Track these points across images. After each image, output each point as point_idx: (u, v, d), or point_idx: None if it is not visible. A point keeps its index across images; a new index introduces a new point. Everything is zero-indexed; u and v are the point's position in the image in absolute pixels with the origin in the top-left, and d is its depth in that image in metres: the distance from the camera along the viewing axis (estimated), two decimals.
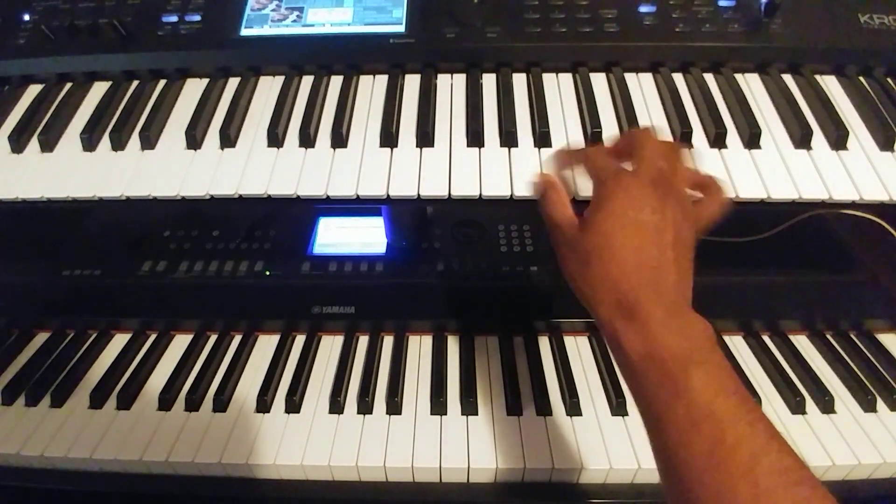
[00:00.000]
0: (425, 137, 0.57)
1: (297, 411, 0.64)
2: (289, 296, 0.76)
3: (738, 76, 0.62)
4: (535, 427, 0.62)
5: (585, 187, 0.49)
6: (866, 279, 0.79)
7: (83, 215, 0.90)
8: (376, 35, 0.62)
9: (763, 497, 0.33)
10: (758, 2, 0.60)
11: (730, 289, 0.77)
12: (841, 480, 0.60)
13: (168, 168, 0.56)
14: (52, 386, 0.66)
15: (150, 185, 0.54)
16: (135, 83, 0.64)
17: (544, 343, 0.72)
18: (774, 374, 0.67)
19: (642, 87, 0.62)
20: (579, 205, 0.47)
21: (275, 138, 0.57)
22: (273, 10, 0.64)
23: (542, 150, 0.56)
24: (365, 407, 0.64)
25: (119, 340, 0.74)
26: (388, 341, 0.72)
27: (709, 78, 0.62)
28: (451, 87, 0.63)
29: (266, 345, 0.72)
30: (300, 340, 0.72)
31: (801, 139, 0.55)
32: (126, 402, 0.65)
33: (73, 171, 0.57)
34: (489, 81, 0.63)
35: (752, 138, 0.56)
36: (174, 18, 0.64)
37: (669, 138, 0.57)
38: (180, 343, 0.73)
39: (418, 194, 0.53)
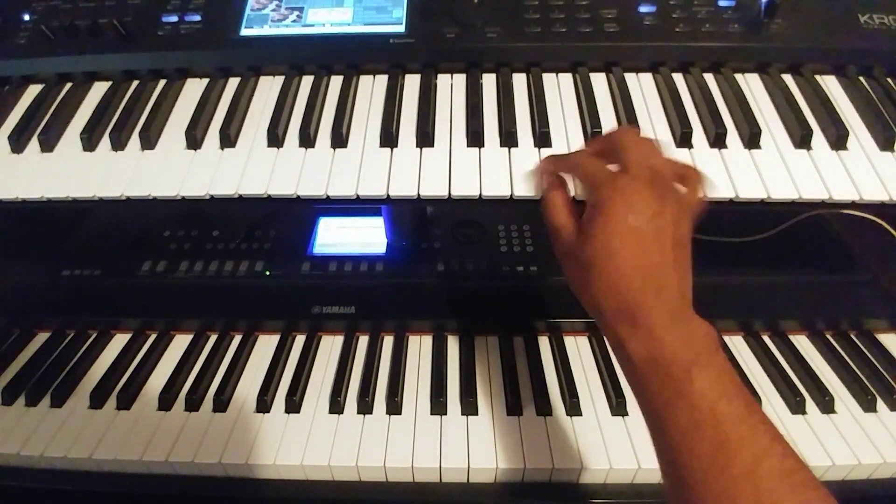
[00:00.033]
0: (425, 137, 0.57)
1: (297, 411, 0.64)
2: (289, 296, 0.76)
3: (738, 76, 0.62)
4: (535, 427, 0.62)
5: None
6: (866, 279, 0.79)
7: (83, 215, 0.90)
8: (376, 35, 0.62)
9: (765, 499, 0.33)
10: (758, 2, 0.60)
11: (730, 289, 0.77)
12: (841, 480, 0.60)
13: (168, 168, 0.56)
14: (52, 386, 0.66)
15: (150, 185, 0.54)
16: (135, 83, 0.64)
17: (544, 343, 0.72)
18: (774, 374, 0.67)
19: (642, 87, 0.62)
20: (578, 204, 0.48)
21: (275, 138, 0.57)
22: (273, 10, 0.64)
23: (542, 150, 0.56)
24: (365, 407, 0.64)
25: (119, 340, 0.74)
26: (388, 341, 0.72)
27: (709, 78, 0.62)
28: (451, 87, 0.63)
29: (266, 345, 0.72)
30: (300, 340, 0.72)
31: (801, 139, 0.55)
32: (126, 402, 0.65)
33: (73, 171, 0.56)
34: (489, 81, 0.63)
35: (752, 138, 0.56)
36: (174, 18, 0.64)
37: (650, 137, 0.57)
38: (180, 343, 0.73)
39: (418, 194, 0.53)
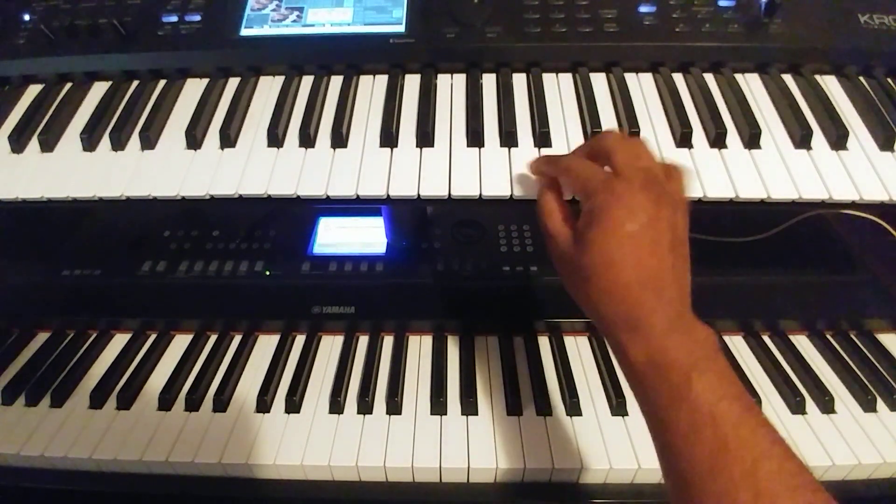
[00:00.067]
0: (425, 137, 0.57)
1: (297, 411, 0.64)
2: (289, 296, 0.76)
3: (738, 76, 0.62)
4: (535, 427, 0.62)
5: None
6: (866, 279, 0.79)
7: (83, 215, 0.90)
8: (376, 35, 0.62)
9: (765, 501, 0.33)
10: (758, 2, 0.60)
11: (730, 289, 0.77)
12: (841, 480, 0.60)
13: (168, 168, 0.56)
14: (52, 386, 0.66)
15: (150, 185, 0.54)
16: (135, 83, 0.64)
17: (544, 343, 0.72)
18: (774, 374, 0.67)
19: (642, 87, 0.62)
20: (572, 204, 0.48)
21: (275, 138, 0.57)
22: (273, 10, 0.64)
23: (542, 150, 0.56)
24: (365, 407, 0.64)
25: (119, 340, 0.74)
26: (388, 341, 0.72)
27: (709, 78, 0.62)
28: (451, 87, 0.63)
29: (266, 345, 0.72)
30: (300, 340, 0.72)
31: (801, 139, 0.55)
32: (126, 402, 0.65)
33: (73, 171, 0.56)
34: (489, 81, 0.63)
35: (752, 138, 0.56)
36: (174, 18, 0.64)
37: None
38: (180, 343, 0.73)
39: (418, 194, 0.53)
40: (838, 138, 0.55)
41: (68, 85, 0.65)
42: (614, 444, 0.60)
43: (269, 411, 0.64)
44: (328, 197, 0.53)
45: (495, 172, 0.54)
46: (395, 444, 0.60)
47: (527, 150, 0.56)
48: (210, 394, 0.66)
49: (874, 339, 0.72)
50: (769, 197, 0.52)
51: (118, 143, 0.58)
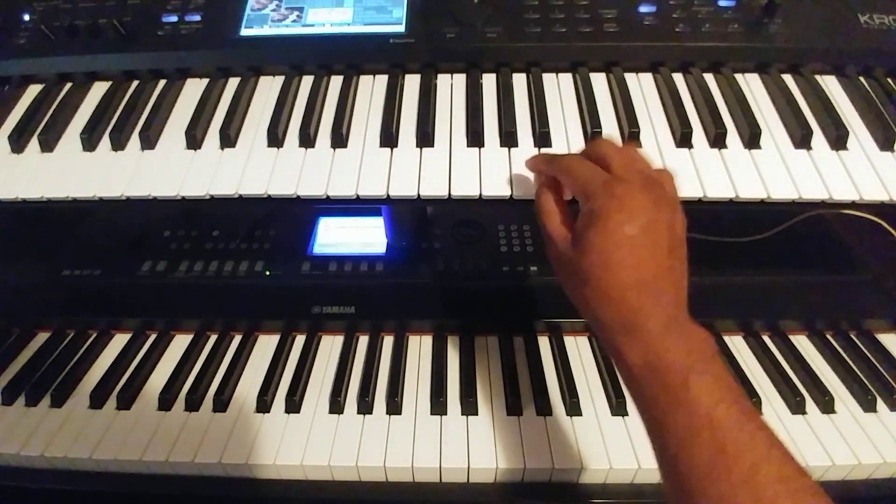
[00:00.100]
0: (425, 137, 0.57)
1: (297, 411, 0.64)
2: (289, 296, 0.76)
3: (738, 76, 0.62)
4: (535, 427, 0.62)
5: None
6: (866, 279, 0.79)
7: (83, 215, 0.90)
8: (376, 35, 0.62)
9: None
10: (758, 2, 0.60)
11: (730, 289, 0.77)
12: (841, 480, 0.59)
13: (168, 168, 0.56)
14: (52, 386, 0.66)
15: (150, 185, 0.54)
16: (135, 83, 0.64)
17: (544, 343, 0.72)
18: (774, 374, 0.67)
19: (642, 87, 0.62)
20: (571, 204, 0.47)
21: (275, 138, 0.57)
22: (273, 10, 0.64)
23: (542, 150, 0.56)
24: (365, 407, 0.64)
25: (119, 340, 0.74)
26: (388, 341, 0.72)
27: (709, 78, 0.62)
28: (451, 87, 0.63)
29: (266, 345, 0.72)
30: (300, 340, 0.72)
31: (801, 139, 0.55)
32: (126, 402, 0.65)
33: (73, 171, 0.56)
34: (489, 81, 0.63)
35: (752, 138, 0.56)
36: (174, 18, 0.64)
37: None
38: (180, 343, 0.73)
39: (418, 194, 0.53)
40: (838, 138, 0.55)
41: (68, 85, 0.65)
42: (614, 444, 0.60)
43: (269, 411, 0.64)
44: (328, 197, 0.53)
45: (495, 172, 0.54)
46: (395, 444, 0.60)
47: (527, 150, 0.56)
48: (210, 394, 0.66)
49: (874, 339, 0.72)
50: (769, 197, 0.52)
51: (118, 143, 0.58)
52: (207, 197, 0.54)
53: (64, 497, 0.61)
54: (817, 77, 0.61)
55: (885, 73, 0.62)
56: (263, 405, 0.64)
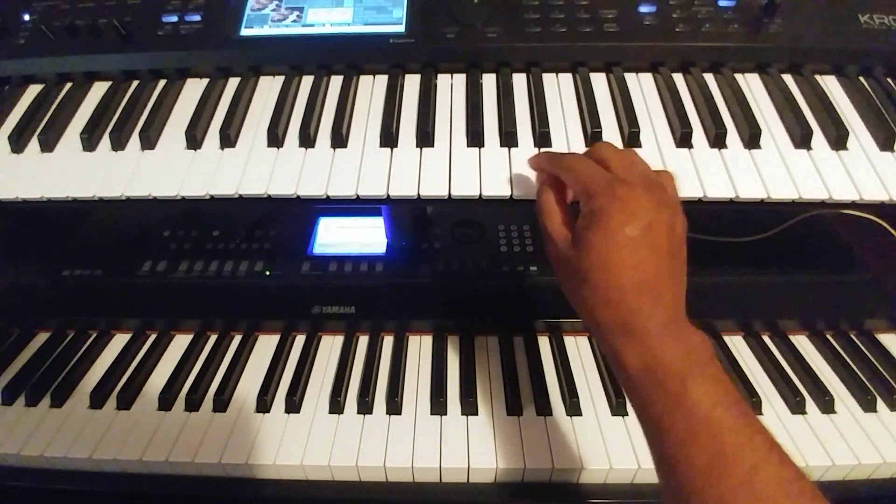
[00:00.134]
0: (425, 137, 0.57)
1: (297, 411, 0.64)
2: (289, 296, 0.76)
3: (738, 76, 0.62)
4: (535, 427, 0.62)
5: None
6: (866, 279, 0.79)
7: (83, 215, 0.90)
8: (376, 35, 0.62)
9: None
10: (758, 2, 0.60)
11: (730, 289, 0.77)
12: (841, 480, 0.59)
13: (168, 168, 0.56)
14: (52, 386, 0.66)
15: (150, 185, 0.54)
16: (135, 83, 0.64)
17: (544, 343, 0.72)
18: (774, 374, 0.67)
19: (642, 87, 0.62)
20: (572, 204, 0.47)
21: (275, 138, 0.57)
22: (273, 10, 0.64)
23: (543, 150, 0.56)
24: (365, 407, 0.64)
25: (119, 340, 0.74)
26: (388, 341, 0.72)
27: (709, 78, 0.62)
28: (451, 87, 0.63)
29: (266, 345, 0.72)
30: (300, 340, 0.72)
31: (801, 139, 0.55)
32: (126, 402, 0.65)
33: (73, 171, 0.56)
34: (489, 81, 0.63)
35: (752, 138, 0.56)
36: (174, 18, 0.64)
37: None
38: (180, 343, 0.73)
39: (418, 194, 0.53)
40: (838, 138, 0.55)
41: (68, 85, 0.65)
42: (614, 444, 0.60)
43: (269, 411, 0.64)
44: (328, 197, 0.53)
45: (495, 172, 0.54)
46: (395, 444, 0.60)
47: (527, 150, 0.56)
48: (210, 394, 0.66)
49: (874, 339, 0.72)
50: (769, 197, 0.52)
51: (118, 143, 0.58)
52: (207, 197, 0.54)
53: (64, 497, 0.61)
54: (817, 77, 0.61)
55: (885, 73, 0.62)
56: (263, 405, 0.64)
